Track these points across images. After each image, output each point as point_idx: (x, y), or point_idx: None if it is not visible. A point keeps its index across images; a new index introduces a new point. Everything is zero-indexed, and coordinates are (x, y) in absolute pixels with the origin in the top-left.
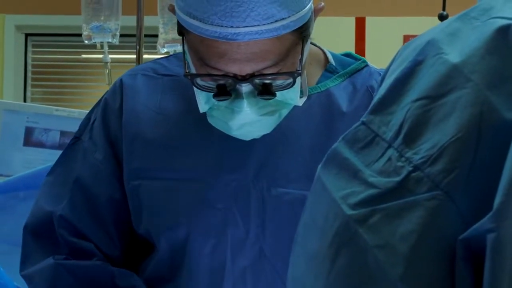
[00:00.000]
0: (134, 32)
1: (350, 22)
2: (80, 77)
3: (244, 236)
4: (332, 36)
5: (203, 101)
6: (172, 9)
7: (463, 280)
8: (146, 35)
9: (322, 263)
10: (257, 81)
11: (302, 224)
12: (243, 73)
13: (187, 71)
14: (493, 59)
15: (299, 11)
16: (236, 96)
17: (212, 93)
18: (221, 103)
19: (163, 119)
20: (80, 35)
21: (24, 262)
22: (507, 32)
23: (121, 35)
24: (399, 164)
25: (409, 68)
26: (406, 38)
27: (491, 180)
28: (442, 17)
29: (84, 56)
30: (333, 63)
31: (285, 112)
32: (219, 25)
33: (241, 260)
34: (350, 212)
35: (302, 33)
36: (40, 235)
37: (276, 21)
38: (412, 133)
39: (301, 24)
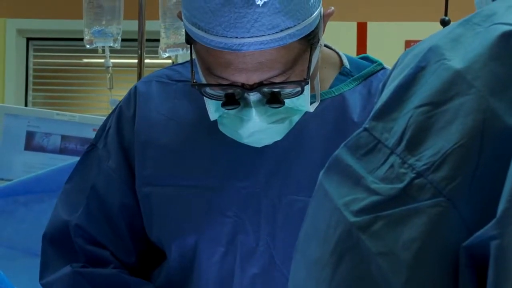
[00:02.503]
0: (135, 37)
1: (352, 27)
2: (82, 82)
3: (254, 244)
4: (333, 41)
5: (213, 109)
6: (180, 16)
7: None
8: (147, 40)
9: (324, 270)
10: (265, 89)
11: (303, 231)
12: (250, 82)
13: (194, 80)
14: (496, 65)
15: (306, 19)
16: (245, 105)
17: (221, 102)
18: (230, 111)
19: (175, 125)
20: (81, 39)
21: (43, 270)
22: (510, 38)
23: (123, 40)
24: (402, 170)
25: (411, 75)
26: (408, 44)
27: (494, 187)
28: (444, 22)
29: (85, 60)
30: (348, 66)
31: (296, 118)
32: (223, 36)
33: (251, 268)
34: (352, 219)
35: (309, 40)
36: (58, 244)
37: (282, 30)
38: (415, 140)
39: (308, 32)
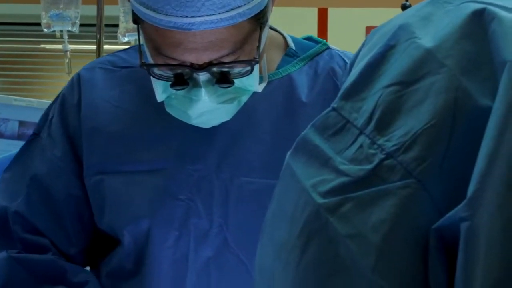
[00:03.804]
0: (94, 22)
1: (313, 12)
2: (40, 67)
3: (208, 227)
4: (294, 27)
5: (160, 91)
6: None
7: (436, 270)
8: (106, 25)
9: (291, 253)
10: (214, 69)
11: (270, 213)
12: (200, 62)
13: (143, 61)
14: (468, 43)
15: None
16: (194, 85)
17: (170, 82)
18: (179, 92)
19: (122, 112)
20: (39, 24)
21: None
22: (481, 16)
23: (81, 25)
24: (371, 151)
25: (381, 53)
26: (369, 29)
27: (465, 168)
28: (405, 7)
29: (43, 46)
30: (293, 47)
31: (244, 98)
32: (173, 15)
33: (205, 251)
34: (320, 200)
35: (259, 19)
36: None
37: (232, 9)
38: (384, 120)
39: (257, 11)
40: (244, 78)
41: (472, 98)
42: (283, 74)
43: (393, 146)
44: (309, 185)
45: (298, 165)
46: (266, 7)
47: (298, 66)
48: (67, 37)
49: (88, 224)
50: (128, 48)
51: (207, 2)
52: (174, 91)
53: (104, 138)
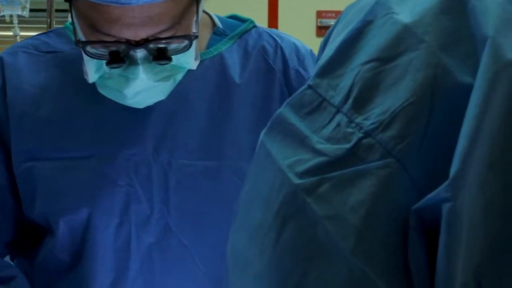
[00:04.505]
0: (44, 7)
1: None
2: None
3: (148, 212)
4: (244, 12)
5: (93, 70)
6: None
7: (417, 252)
8: (57, 10)
9: (266, 235)
10: (151, 46)
11: (243, 195)
12: (137, 38)
13: (78, 39)
14: (447, 19)
15: None
16: (131, 63)
17: (104, 61)
18: (114, 71)
19: (50, 97)
20: None
21: None
22: None
23: (31, 10)
24: (349, 130)
25: (357, 29)
26: (319, 14)
27: (446, 147)
28: None
29: None
30: (221, 26)
31: (179, 76)
32: None
33: (147, 237)
34: (297, 181)
35: None
36: None
37: None
38: (362, 98)
39: None
40: (180, 55)
41: (452, 75)
42: (214, 53)
43: (371, 124)
44: (285, 165)
45: (273, 144)
46: None
47: (228, 44)
48: (17, 22)
49: (11, 214)
50: (50, 31)
51: None
52: (108, 71)
53: (34, 123)
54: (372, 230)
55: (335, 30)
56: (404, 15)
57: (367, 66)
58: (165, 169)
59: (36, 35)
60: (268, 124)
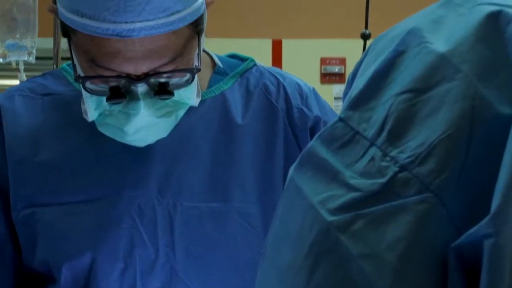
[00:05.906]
0: (51, 55)
1: (267, 44)
2: None
3: (153, 256)
4: None
5: (93, 108)
6: (52, 10)
7: None
8: (63, 58)
9: (298, 276)
10: (152, 80)
11: (272, 234)
12: (138, 73)
13: (77, 74)
14: (484, 47)
15: (194, 3)
16: (131, 98)
17: (104, 98)
18: (114, 107)
19: (48, 141)
20: None
21: None
22: (497, 18)
23: (38, 58)
24: (384, 164)
25: (390, 60)
26: (324, 61)
27: (484, 180)
28: (365, 36)
29: None
30: (221, 65)
31: (181, 113)
32: (111, 22)
33: (153, 283)
34: (330, 218)
35: (197, 26)
36: None
37: (172, 13)
38: (397, 130)
39: (196, 17)
40: (182, 90)
41: (490, 106)
42: (217, 92)
43: (407, 158)
44: (317, 201)
45: (304, 180)
46: (203, 13)
47: (230, 83)
48: (23, 67)
49: (10, 263)
50: (45, 73)
51: (147, 7)
52: (108, 108)
53: (33, 168)
54: (410, 269)
55: (363, 62)
56: (439, 44)
57: (402, 97)
58: (170, 212)
59: (32, 77)
60: (298, 159)
